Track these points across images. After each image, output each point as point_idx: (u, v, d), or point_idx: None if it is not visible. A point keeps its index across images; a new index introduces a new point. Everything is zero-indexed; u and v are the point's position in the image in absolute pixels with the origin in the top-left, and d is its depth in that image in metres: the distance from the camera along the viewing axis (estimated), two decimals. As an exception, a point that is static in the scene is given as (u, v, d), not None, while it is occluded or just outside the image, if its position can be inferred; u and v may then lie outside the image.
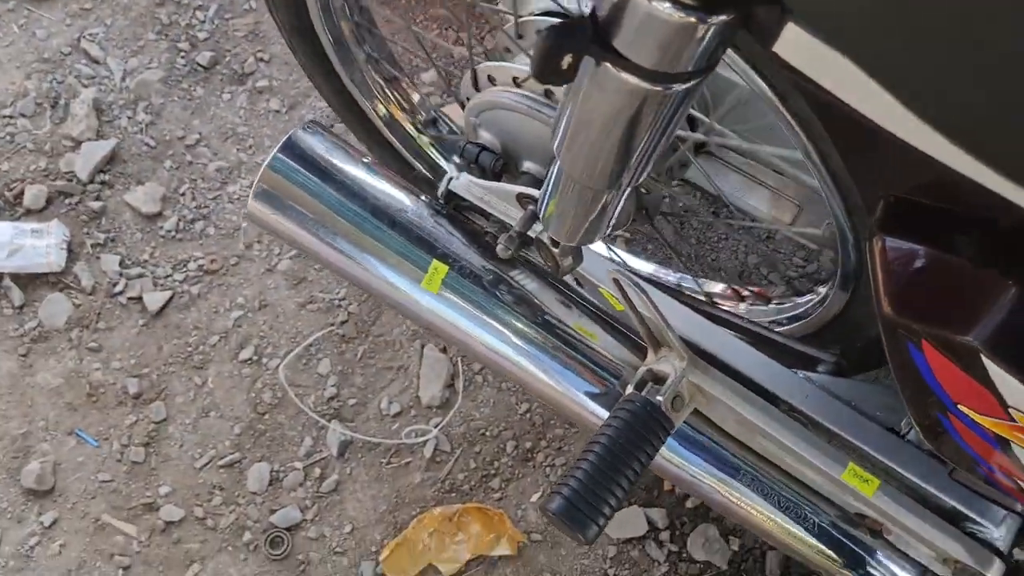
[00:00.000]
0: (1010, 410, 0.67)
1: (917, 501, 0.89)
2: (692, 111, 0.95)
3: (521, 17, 0.92)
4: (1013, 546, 0.87)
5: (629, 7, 0.54)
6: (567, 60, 0.57)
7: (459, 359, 1.43)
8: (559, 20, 0.56)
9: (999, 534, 0.87)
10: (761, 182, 1.05)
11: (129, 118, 1.55)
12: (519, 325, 0.99)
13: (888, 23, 0.44)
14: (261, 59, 1.60)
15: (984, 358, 0.64)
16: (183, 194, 1.51)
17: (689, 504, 1.37)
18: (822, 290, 0.99)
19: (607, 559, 1.35)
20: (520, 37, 0.93)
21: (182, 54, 1.59)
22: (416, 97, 1.19)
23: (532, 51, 0.58)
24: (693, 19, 0.53)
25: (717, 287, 1.15)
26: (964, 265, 0.65)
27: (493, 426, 1.41)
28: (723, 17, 0.53)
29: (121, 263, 1.47)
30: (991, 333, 0.63)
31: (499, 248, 0.96)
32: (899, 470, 0.88)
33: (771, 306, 1.09)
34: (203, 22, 1.61)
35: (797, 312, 1.05)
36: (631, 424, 0.87)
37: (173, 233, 1.49)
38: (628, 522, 1.36)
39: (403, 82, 1.17)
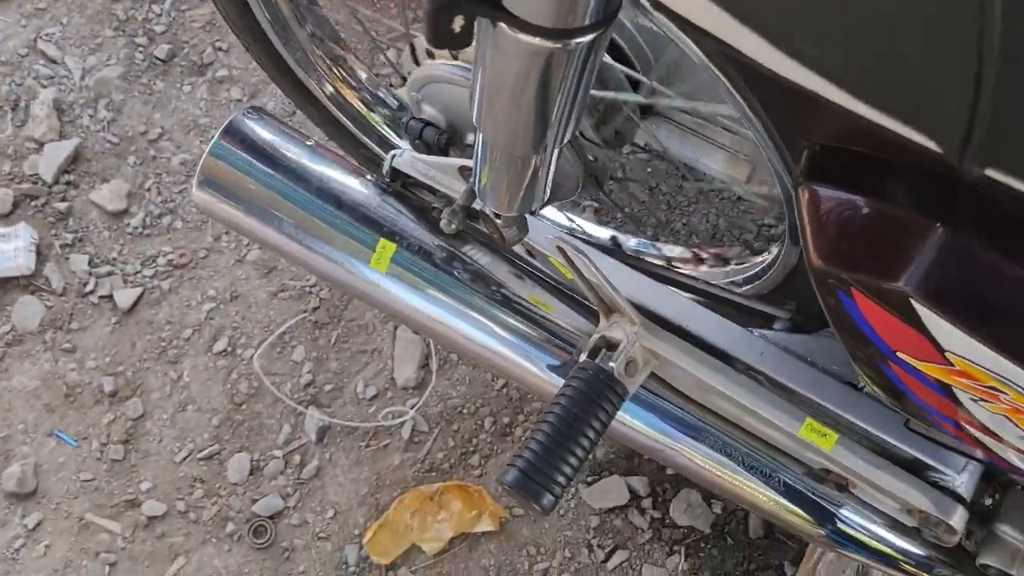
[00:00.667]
0: (947, 354, 0.65)
1: (877, 453, 0.88)
2: (631, 72, 0.93)
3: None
4: (976, 493, 0.86)
5: (512, -37, 0.52)
6: (459, 23, 0.56)
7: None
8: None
9: (961, 481, 0.85)
10: (713, 141, 1.03)
11: (90, 116, 1.54)
12: (471, 299, 0.98)
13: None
14: (220, 49, 1.58)
15: (915, 303, 0.63)
16: (148, 189, 1.51)
17: (670, 471, 1.36)
18: (775, 248, 0.97)
19: (590, 529, 1.34)
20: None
21: (140, 49, 1.58)
22: (363, 74, 1.17)
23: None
24: (575, -30, 0.51)
25: (676, 250, 1.14)
26: (890, 210, 0.63)
27: (470, 403, 1.40)
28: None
29: (90, 262, 1.46)
30: (920, 278, 0.62)
31: (443, 223, 0.95)
32: (857, 423, 0.87)
33: (730, 267, 1.07)
34: (159, 15, 1.60)
35: (755, 271, 1.03)
36: (584, 392, 0.86)
37: (140, 229, 1.49)
38: (610, 491, 1.35)
39: (348, 59, 1.15)
